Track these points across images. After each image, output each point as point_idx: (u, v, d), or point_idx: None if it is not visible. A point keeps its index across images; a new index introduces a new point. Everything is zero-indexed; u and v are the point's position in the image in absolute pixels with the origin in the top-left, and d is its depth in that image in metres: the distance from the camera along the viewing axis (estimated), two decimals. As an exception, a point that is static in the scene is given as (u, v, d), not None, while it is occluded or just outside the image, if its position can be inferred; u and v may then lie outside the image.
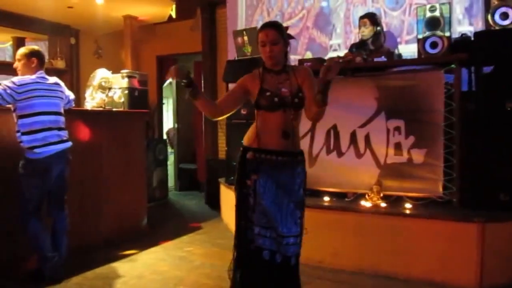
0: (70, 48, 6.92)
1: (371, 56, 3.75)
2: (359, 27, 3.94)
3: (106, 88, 4.55)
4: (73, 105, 3.59)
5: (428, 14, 3.59)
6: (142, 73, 5.17)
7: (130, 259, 3.70)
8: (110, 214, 4.13)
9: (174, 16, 6.37)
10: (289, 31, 2.34)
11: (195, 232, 4.58)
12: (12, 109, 3.09)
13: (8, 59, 6.95)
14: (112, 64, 5.96)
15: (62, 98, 3.32)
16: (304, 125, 3.75)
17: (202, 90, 6.38)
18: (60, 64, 6.71)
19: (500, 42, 3.29)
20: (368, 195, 3.53)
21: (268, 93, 2.18)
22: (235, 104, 2.35)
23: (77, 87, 6.76)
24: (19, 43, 6.91)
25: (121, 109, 4.61)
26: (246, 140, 2.30)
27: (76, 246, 3.44)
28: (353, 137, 3.69)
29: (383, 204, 3.45)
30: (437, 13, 3.58)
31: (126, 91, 4.71)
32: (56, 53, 6.82)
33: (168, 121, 8.34)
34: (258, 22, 5.43)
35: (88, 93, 4.53)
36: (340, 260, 3.36)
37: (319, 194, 3.72)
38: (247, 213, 2.22)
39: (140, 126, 4.68)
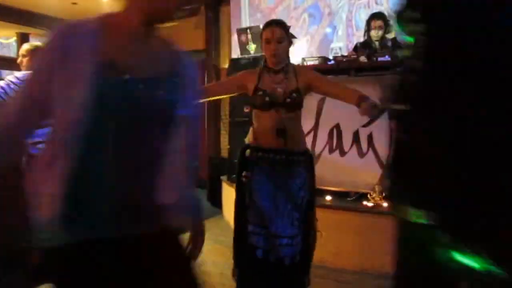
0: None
1: (375, 55, 3.74)
2: (371, 27, 3.92)
3: (110, 84, 4.55)
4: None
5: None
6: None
7: (132, 256, 3.71)
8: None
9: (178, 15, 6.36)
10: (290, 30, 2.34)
11: (197, 229, 4.58)
12: None
13: (12, 55, 6.97)
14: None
15: None
16: (307, 124, 3.77)
17: (205, 80, 6.38)
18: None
19: None
20: (371, 195, 3.53)
21: (260, 93, 2.19)
22: (225, 93, 2.46)
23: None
24: (23, 38, 6.94)
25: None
26: (248, 138, 2.34)
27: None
28: (355, 136, 3.68)
29: (385, 204, 3.45)
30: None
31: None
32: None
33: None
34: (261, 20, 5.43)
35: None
36: (342, 259, 3.36)
37: (321, 193, 3.71)
38: (243, 210, 2.24)
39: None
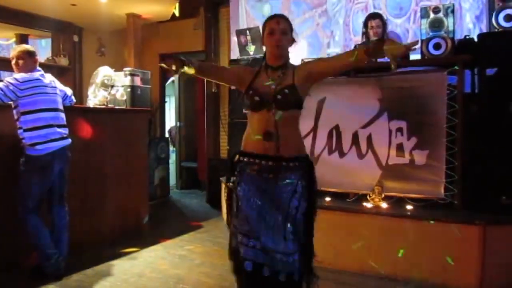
0: (73, 45, 6.92)
1: (374, 57, 3.73)
2: (369, 27, 3.92)
3: (109, 86, 4.55)
4: (74, 101, 3.60)
5: (432, 15, 3.58)
6: (144, 71, 5.17)
7: (131, 257, 3.71)
8: (111, 211, 4.13)
9: (177, 14, 6.36)
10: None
11: (196, 230, 4.58)
12: (14, 106, 3.10)
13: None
14: (115, 62, 5.97)
15: (59, 95, 3.35)
16: (306, 125, 3.77)
17: (205, 89, 6.38)
18: (63, 61, 6.72)
19: (504, 44, 3.28)
20: (370, 196, 3.53)
21: (250, 91, 2.05)
22: (224, 79, 2.34)
23: (80, 84, 6.77)
24: (22, 40, 6.92)
25: (123, 107, 4.62)
26: (242, 142, 2.18)
27: (77, 243, 3.45)
28: (355, 137, 3.68)
29: (385, 205, 3.45)
30: (440, 14, 3.57)
31: (129, 89, 4.73)
32: (59, 51, 6.82)
33: (171, 120, 8.35)
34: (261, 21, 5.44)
35: (90, 91, 4.53)
36: (341, 261, 3.35)
37: (321, 194, 3.71)
38: (232, 218, 2.10)
39: (142, 125, 4.68)
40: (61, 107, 3.32)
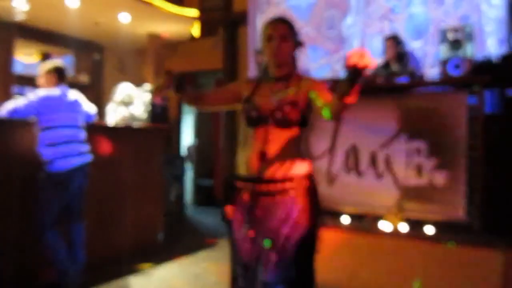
0: (94, 63, 7.07)
1: (393, 77, 3.73)
2: (388, 48, 3.95)
3: (128, 103, 4.62)
4: (96, 118, 3.66)
5: (451, 36, 3.57)
6: (163, 89, 5.23)
7: (146, 274, 3.70)
8: (127, 227, 4.15)
9: (196, 34, 6.47)
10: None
11: (211, 248, 4.56)
12: (34, 121, 3.16)
13: (34, 73, 7.13)
14: (134, 80, 6.07)
15: (82, 112, 3.39)
16: (323, 144, 3.76)
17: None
18: (84, 79, 6.86)
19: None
20: (388, 217, 3.47)
21: (247, 105, 1.83)
22: (221, 102, 2.02)
23: (100, 101, 6.87)
24: (45, 57, 7.11)
25: (142, 124, 4.68)
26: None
27: (93, 259, 3.45)
28: (372, 157, 3.65)
29: (403, 227, 3.39)
30: (459, 36, 3.55)
31: (148, 107, 4.79)
32: (81, 68, 6.97)
33: (187, 137, 8.41)
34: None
35: (110, 108, 4.61)
36: (357, 283, 3.29)
37: (338, 214, 3.67)
38: (230, 249, 1.90)
39: (159, 141, 4.72)
40: (81, 124, 3.37)
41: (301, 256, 1.74)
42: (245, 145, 1.85)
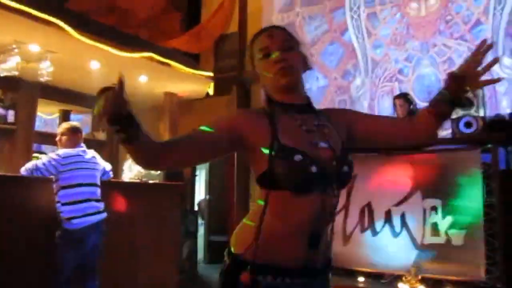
0: (111, 121, 7.26)
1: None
2: (397, 106, 4.03)
3: (144, 160, 4.71)
4: (112, 176, 3.73)
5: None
6: (179, 146, 5.34)
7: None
8: (141, 285, 4.09)
9: (211, 93, 6.67)
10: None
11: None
12: (54, 180, 3.24)
13: (54, 131, 7.33)
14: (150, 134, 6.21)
15: (99, 170, 3.48)
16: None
17: (235, 165, 6.47)
18: (101, 136, 7.02)
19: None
20: (406, 277, 3.38)
21: (298, 156, 1.13)
22: (197, 154, 1.23)
23: (117, 158, 7.00)
24: (65, 115, 7.34)
25: (157, 181, 4.74)
26: (238, 244, 1.26)
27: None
28: (388, 215, 3.62)
29: (422, 287, 3.30)
30: (470, 93, 3.61)
31: (163, 164, 4.86)
32: (99, 126, 7.16)
33: (200, 192, 8.43)
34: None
35: (126, 165, 4.70)
36: None
37: (353, 274, 3.59)
38: None
39: (175, 198, 4.75)
40: (98, 182, 3.44)
41: None
42: (276, 219, 1.18)
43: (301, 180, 1.14)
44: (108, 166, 3.67)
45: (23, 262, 3.21)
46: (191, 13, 7.48)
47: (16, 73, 4.35)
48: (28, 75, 4.86)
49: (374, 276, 3.57)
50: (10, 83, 4.74)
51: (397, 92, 4.73)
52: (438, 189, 3.46)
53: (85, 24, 4.41)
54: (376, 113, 5.03)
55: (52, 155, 3.27)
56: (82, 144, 3.47)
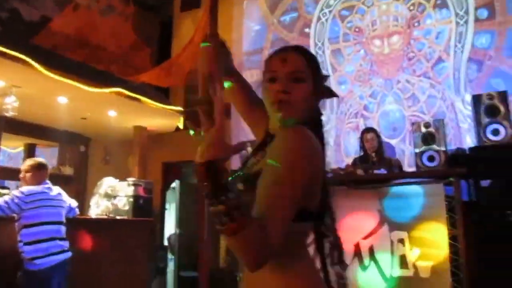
0: (79, 155, 7.15)
1: (372, 169, 3.87)
2: (364, 141, 4.11)
3: (112, 196, 4.63)
4: (78, 212, 3.65)
5: (423, 130, 3.78)
6: (148, 181, 5.29)
7: None
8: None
9: (181, 127, 6.68)
10: None
11: None
12: (16, 218, 3.14)
13: (18, 166, 7.13)
14: (119, 170, 6.13)
15: (64, 208, 3.40)
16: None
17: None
18: (68, 171, 6.88)
19: (495, 157, 3.42)
20: (376, 311, 3.40)
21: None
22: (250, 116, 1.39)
23: (84, 194, 6.85)
24: (30, 149, 7.17)
25: (125, 217, 4.64)
26: None
27: None
28: (357, 248, 3.65)
29: (392, 321, 3.31)
30: (431, 129, 3.77)
31: (131, 199, 4.78)
32: (65, 160, 7.03)
33: (170, 226, 8.27)
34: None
35: (93, 201, 4.60)
36: None
37: (325, 309, 3.58)
38: None
39: (144, 234, 4.67)
40: (63, 219, 3.35)
41: None
42: (298, 260, 1.11)
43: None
44: (73, 203, 3.59)
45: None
46: (162, 48, 7.55)
47: (-21, 108, 4.25)
48: (-7, 109, 4.78)
49: (345, 311, 3.56)
50: (-27, 118, 4.63)
51: (362, 128, 4.80)
52: (405, 221, 3.53)
53: (52, 60, 4.39)
54: (342, 151, 5.10)
55: (16, 192, 3.18)
56: (47, 181, 3.39)
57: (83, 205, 6.07)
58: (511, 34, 4.48)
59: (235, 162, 4.21)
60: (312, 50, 5.63)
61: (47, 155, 8.21)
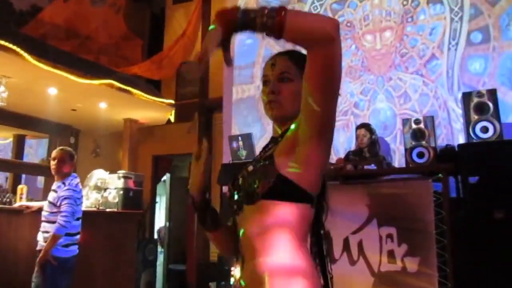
0: (69, 146, 7.08)
1: (361, 164, 3.89)
2: (356, 137, 4.13)
3: (102, 188, 4.61)
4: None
5: (414, 126, 3.81)
6: (138, 174, 5.28)
7: None
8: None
9: (172, 120, 6.66)
10: None
11: None
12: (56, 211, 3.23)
13: (7, 157, 7.07)
14: (109, 163, 6.11)
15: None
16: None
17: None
18: (57, 162, 6.82)
19: (483, 154, 3.46)
20: (363, 305, 3.44)
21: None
22: None
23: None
24: (19, 140, 7.11)
25: (115, 209, 4.63)
26: None
27: None
28: (346, 243, 3.68)
29: (379, 315, 3.35)
30: (421, 125, 3.80)
31: (121, 192, 4.77)
32: (55, 152, 6.97)
33: (160, 219, 8.27)
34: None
35: (83, 193, 4.57)
36: None
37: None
38: None
39: (132, 227, 4.67)
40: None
41: None
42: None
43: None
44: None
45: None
46: (153, 40, 7.50)
47: (-33, 98, 4.20)
48: (-19, 100, 4.71)
49: (333, 305, 3.59)
50: (-39, 108, 4.58)
51: (352, 127, 4.77)
52: (393, 217, 3.56)
53: (42, 50, 4.34)
54: (332, 148, 5.09)
55: (70, 192, 3.30)
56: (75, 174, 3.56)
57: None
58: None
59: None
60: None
61: (36, 146, 8.15)
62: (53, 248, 3.08)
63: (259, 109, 5.37)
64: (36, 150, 8.09)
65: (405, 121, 3.94)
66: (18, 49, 4.03)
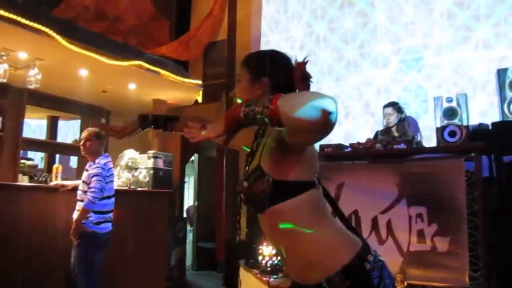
0: (100, 127, 7.24)
1: (391, 143, 3.84)
2: (384, 115, 4.08)
3: (133, 168, 4.72)
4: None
5: (445, 105, 3.72)
6: (167, 153, 5.36)
7: None
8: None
9: (200, 100, 6.70)
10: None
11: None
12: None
13: (42, 137, 7.28)
14: (139, 143, 6.21)
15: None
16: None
17: (224, 167, 6.44)
18: (89, 142, 6.99)
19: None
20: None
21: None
22: None
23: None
24: (53, 121, 7.31)
25: (145, 188, 4.74)
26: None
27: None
28: (374, 223, 3.67)
29: (408, 294, 3.35)
30: (453, 104, 3.71)
31: (152, 171, 4.88)
32: (87, 132, 7.14)
33: (189, 199, 8.43)
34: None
35: (115, 172, 4.69)
36: None
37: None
38: None
39: (163, 205, 4.77)
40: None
41: None
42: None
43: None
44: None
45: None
46: (180, 20, 7.51)
47: (4, 80, 4.32)
48: (16, 82, 4.85)
49: (361, 283, 3.61)
50: (-3, 90, 4.73)
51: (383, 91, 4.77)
52: (424, 196, 3.52)
53: (73, 32, 4.40)
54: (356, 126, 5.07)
55: (99, 170, 3.44)
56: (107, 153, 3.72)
57: (105, 176, 6.19)
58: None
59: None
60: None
61: (69, 127, 8.37)
62: (83, 220, 3.22)
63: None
64: (70, 131, 8.31)
65: (437, 99, 3.85)
66: (50, 32, 4.11)
